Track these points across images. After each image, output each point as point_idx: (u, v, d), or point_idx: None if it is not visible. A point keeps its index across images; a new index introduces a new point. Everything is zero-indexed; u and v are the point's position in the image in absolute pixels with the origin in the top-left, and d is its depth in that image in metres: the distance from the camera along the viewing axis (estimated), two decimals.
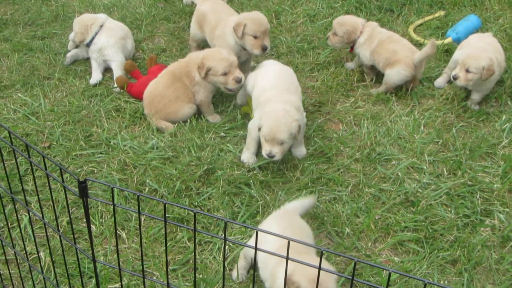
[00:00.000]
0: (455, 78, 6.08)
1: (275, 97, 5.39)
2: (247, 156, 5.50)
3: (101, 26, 6.80)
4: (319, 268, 2.57)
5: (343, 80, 6.59)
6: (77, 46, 7.03)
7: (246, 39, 6.12)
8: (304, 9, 7.70)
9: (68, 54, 6.92)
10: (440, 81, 6.60)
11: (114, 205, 2.72)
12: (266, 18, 6.29)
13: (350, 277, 2.49)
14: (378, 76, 6.61)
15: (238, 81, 5.80)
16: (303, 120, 5.47)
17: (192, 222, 4.94)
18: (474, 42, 6.41)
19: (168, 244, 4.79)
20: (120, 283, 3.43)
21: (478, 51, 6.14)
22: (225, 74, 5.76)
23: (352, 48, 6.66)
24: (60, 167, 2.77)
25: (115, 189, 5.23)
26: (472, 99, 6.29)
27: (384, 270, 4.59)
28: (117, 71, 6.63)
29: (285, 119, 5.17)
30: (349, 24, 6.50)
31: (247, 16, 6.22)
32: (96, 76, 6.67)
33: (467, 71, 6.01)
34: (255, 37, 6.10)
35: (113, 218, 4.96)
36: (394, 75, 6.36)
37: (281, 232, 4.51)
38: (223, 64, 5.77)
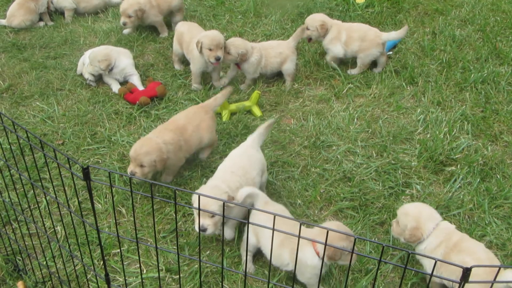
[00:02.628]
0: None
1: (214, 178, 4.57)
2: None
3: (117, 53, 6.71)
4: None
5: (293, 85, 6.60)
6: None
7: (204, 51, 6.13)
8: (262, 30, 7.68)
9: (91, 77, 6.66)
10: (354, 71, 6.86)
11: (111, 186, 2.71)
12: (221, 35, 6.22)
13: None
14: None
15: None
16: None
17: (178, 199, 4.97)
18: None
19: (158, 217, 4.78)
20: (119, 249, 3.44)
21: (317, 15, 6.81)
22: None
23: (238, 65, 6.47)
24: (67, 157, 2.76)
25: (116, 175, 5.24)
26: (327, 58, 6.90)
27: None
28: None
29: (212, 193, 4.19)
30: (243, 47, 6.28)
31: (204, 34, 6.22)
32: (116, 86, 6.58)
33: (307, 28, 6.70)
34: (210, 50, 6.11)
35: (114, 198, 4.95)
36: (291, 66, 6.55)
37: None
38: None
